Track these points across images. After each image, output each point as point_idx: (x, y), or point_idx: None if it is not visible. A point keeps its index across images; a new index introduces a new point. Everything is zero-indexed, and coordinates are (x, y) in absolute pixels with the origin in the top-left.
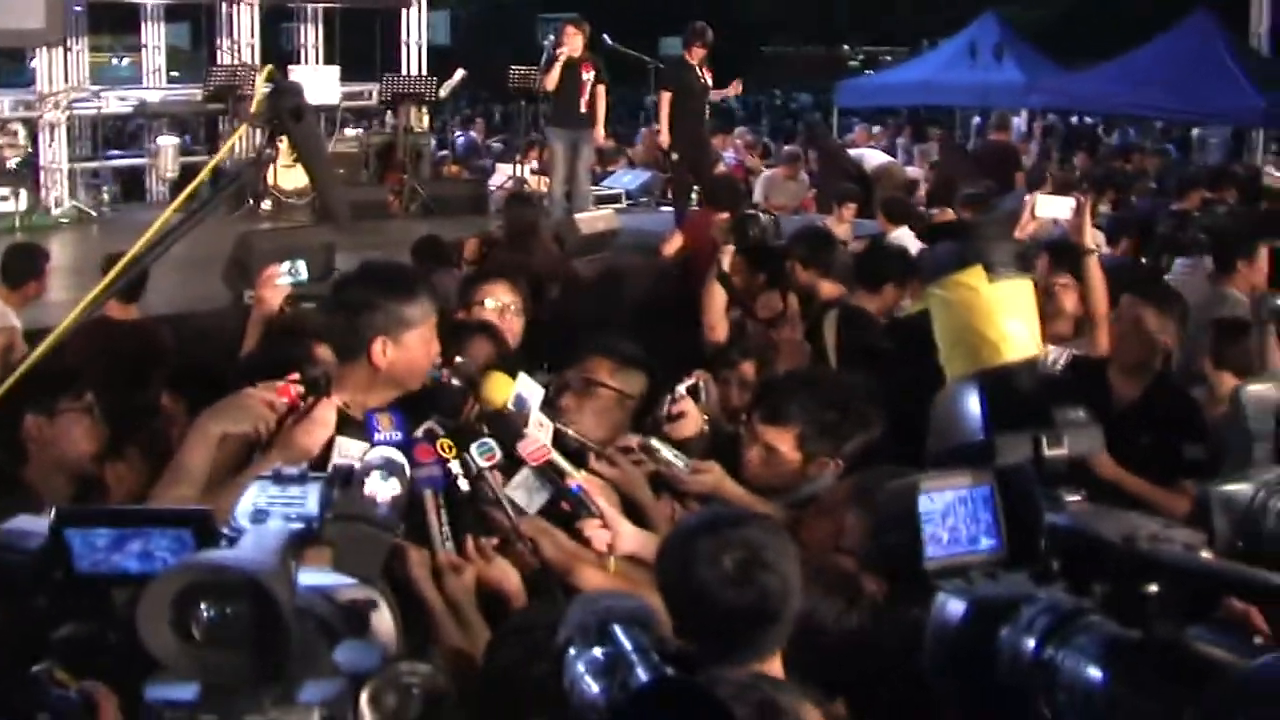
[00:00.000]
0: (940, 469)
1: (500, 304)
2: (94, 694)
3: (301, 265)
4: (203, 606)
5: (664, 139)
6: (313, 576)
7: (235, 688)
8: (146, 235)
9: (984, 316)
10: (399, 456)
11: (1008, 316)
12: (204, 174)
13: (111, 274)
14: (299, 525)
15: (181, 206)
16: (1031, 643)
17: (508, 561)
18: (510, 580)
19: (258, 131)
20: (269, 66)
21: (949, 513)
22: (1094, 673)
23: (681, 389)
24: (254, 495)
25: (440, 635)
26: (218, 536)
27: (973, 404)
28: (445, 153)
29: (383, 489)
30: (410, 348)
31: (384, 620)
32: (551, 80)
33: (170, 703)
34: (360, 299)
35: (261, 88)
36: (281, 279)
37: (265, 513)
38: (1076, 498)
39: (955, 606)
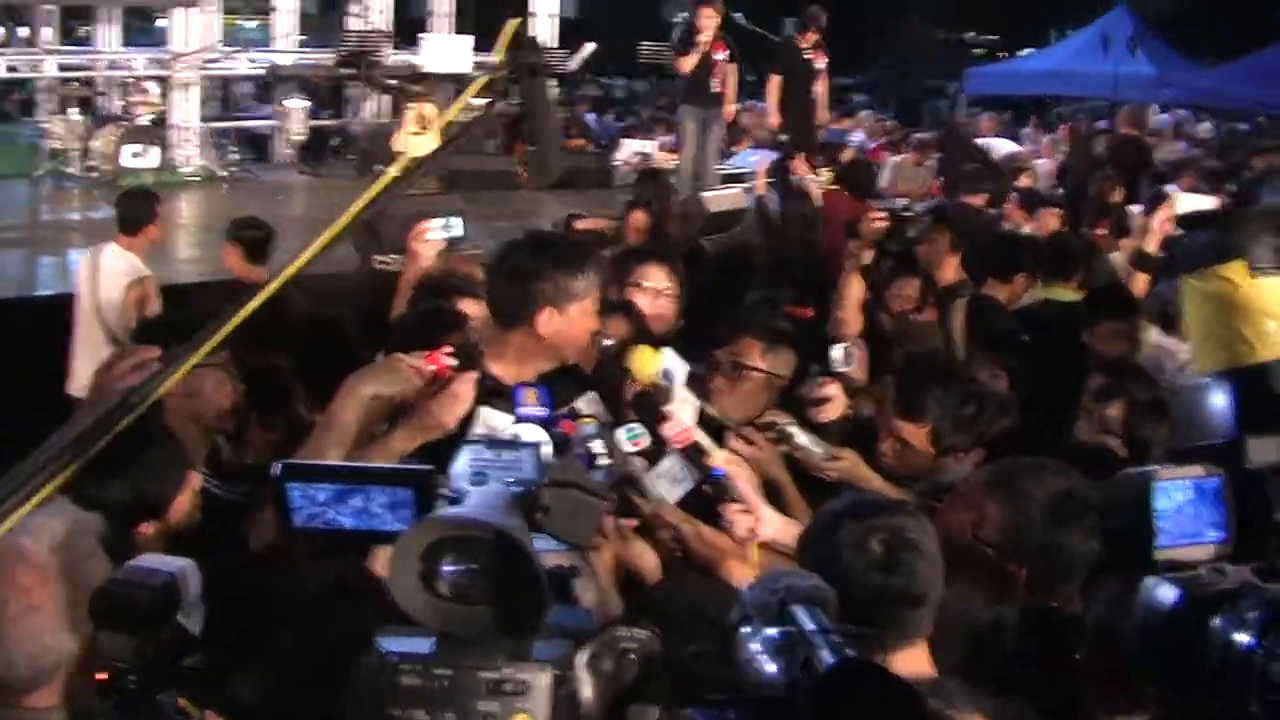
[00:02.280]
0: (1177, 463)
1: (656, 286)
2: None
3: (457, 222)
4: (449, 561)
5: (774, 121)
6: None
7: (470, 642)
8: (358, 204)
9: (1241, 312)
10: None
11: (1266, 314)
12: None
13: (333, 229)
14: (519, 488)
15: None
16: (1246, 637)
17: (644, 543)
18: (647, 560)
19: (384, 98)
20: (516, 20)
21: (1180, 504)
22: None
23: (838, 352)
24: (469, 458)
25: (603, 601)
26: (438, 497)
27: (1222, 402)
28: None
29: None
30: (574, 320)
31: (588, 587)
32: (689, 64)
33: (405, 655)
34: (531, 267)
35: (505, 38)
36: (434, 233)
37: (484, 475)
38: None
39: (1167, 593)
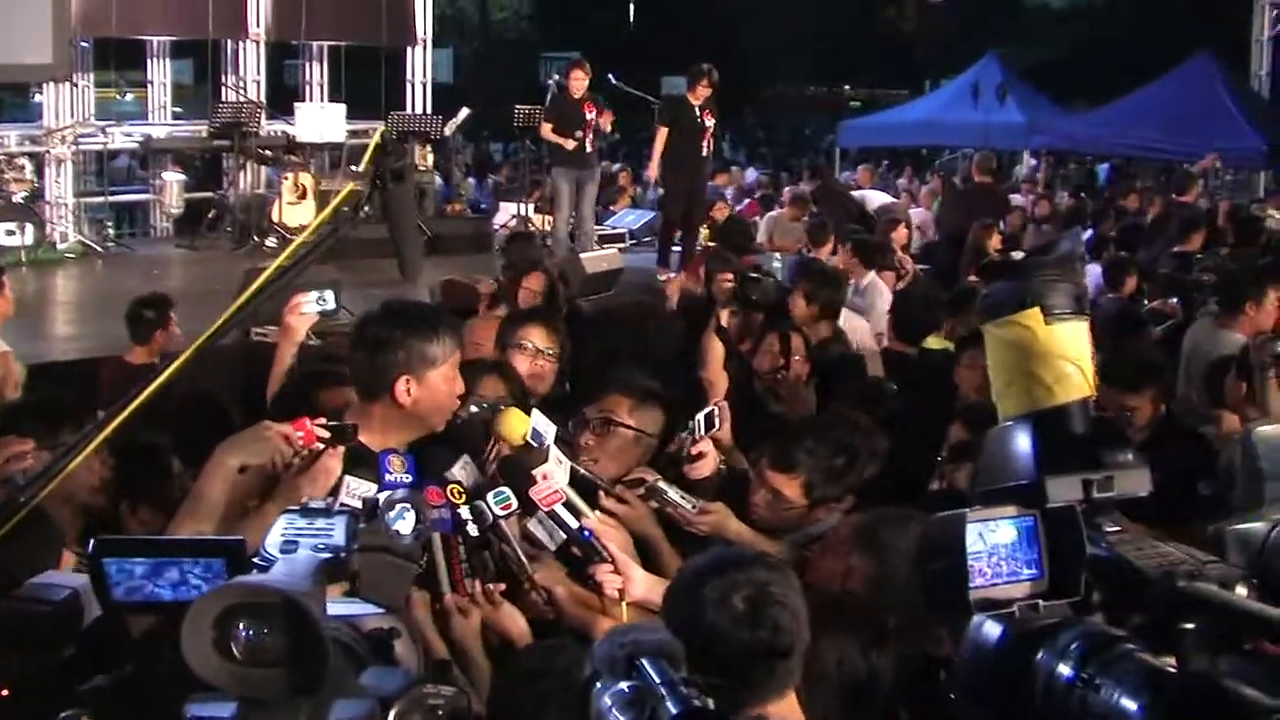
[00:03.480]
0: (988, 504)
1: (537, 346)
2: None
3: (330, 295)
4: (242, 626)
5: (653, 171)
6: (339, 606)
7: (272, 705)
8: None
9: (1039, 357)
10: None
11: (1063, 358)
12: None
13: (208, 332)
14: (327, 555)
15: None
16: (1067, 668)
17: (513, 607)
18: (517, 624)
19: (260, 169)
20: (381, 129)
21: (994, 545)
22: (1129, 704)
23: (700, 419)
24: (282, 527)
25: (423, 659)
26: (249, 565)
27: (1024, 445)
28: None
29: (404, 523)
30: (434, 386)
31: (407, 647)
32: (550, 131)
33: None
34: (384, 336)
35: (374, 144)
36: (308, 307)
37: (295, 543)
38: (1116, 528)
39: (992, 629)
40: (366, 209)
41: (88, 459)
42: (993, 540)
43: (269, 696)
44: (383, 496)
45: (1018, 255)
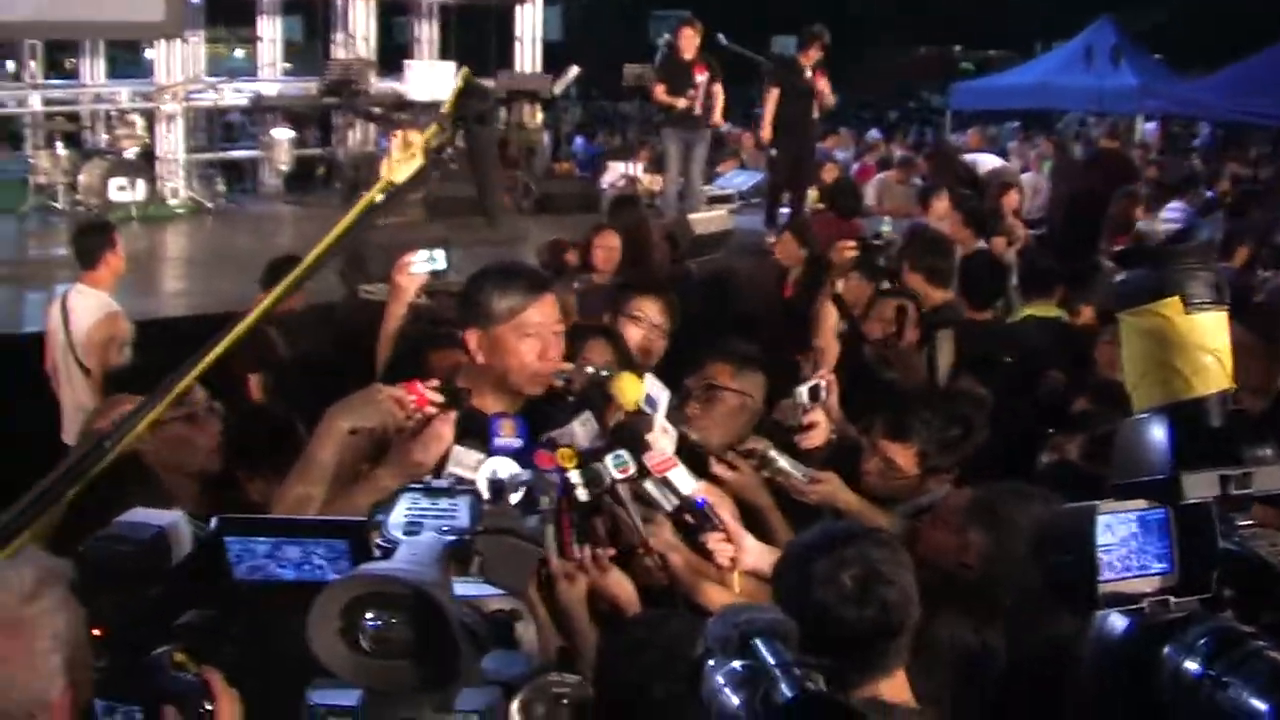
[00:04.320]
0: (1119, 498)
1: (650, 320)
2: (212, 678)
3: (440, 254)
4: (370, 616)
5: (766, 133)
6: (462, 587)
7: (398, 695)
8: (314, 252)
9: (1178, 348)
10: (514, 466)
11: (1202, 349)
12: (376, 188)
13: (293, 274)
14: (452, 538)
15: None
16: (1195, 665)
17: (621, 573)
18: (625, 591)
19: (370, 126)
20: (465, 69)
21: (1124, 538)
22: (1258, 704)
23: (804, 391)
24: (405, 507)
25: (545, 645)
26: (373, 547)
27: (1160, 438)
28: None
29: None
30: (502, 343)
31: (528, 630)
32: (664, 92)
33: (333, 708)
34: (463, 291)
35: (457, 86)
36: (418, 266)
37: (418, 524)
38: (1249, 522)
39: (1118, 622)
40: (449, 152)
41: (205, 424)
42: (1123, 533)
43: (395, 688)
44: (506, 476)
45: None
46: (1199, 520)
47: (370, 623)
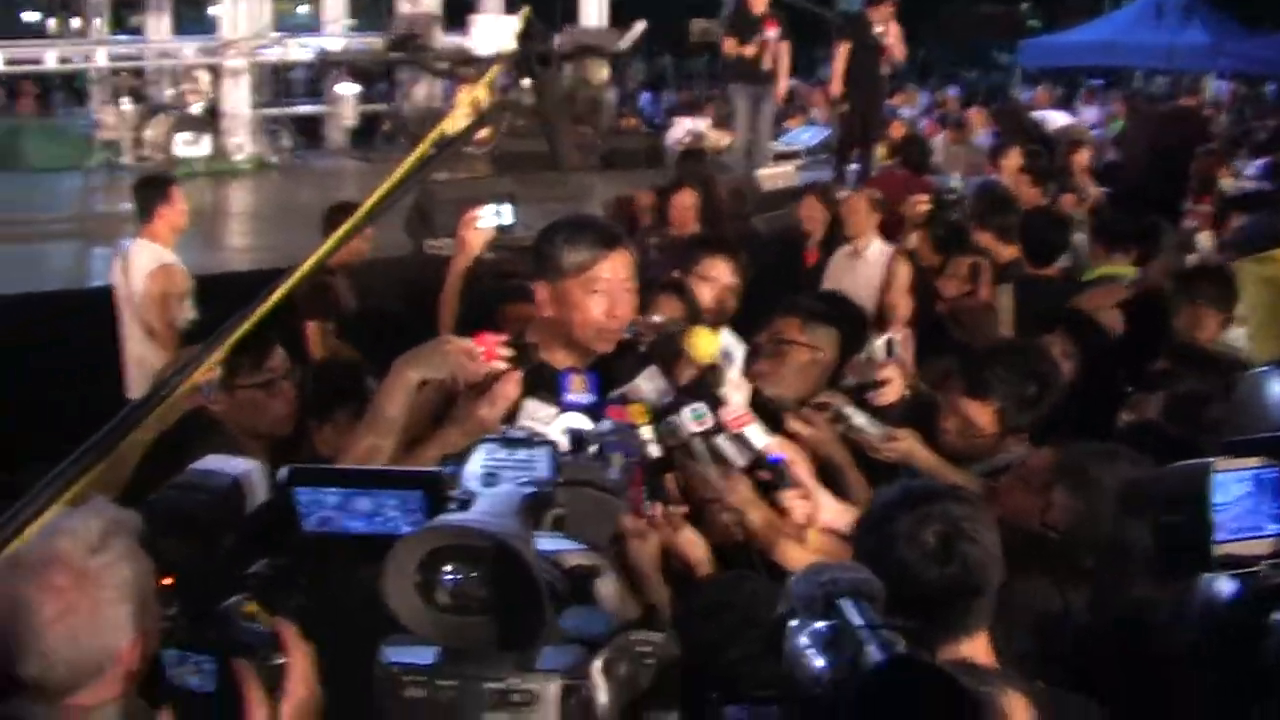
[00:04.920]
0: (1236, 454)
1: (721, 280)
2: (284, 630)
3: (508, 209)
4: (449, 570)
5: (836, 88)
6: (540, 541)
7: (477, 653)
8: (373, 198)
9: None
10: (586, 421)
11: None
12: (433, 135)
13: (347, 225)
14: (531, 489)
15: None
16: None
17: (695, 531)
18: (698, 550)
19: (435, 81)
20: (528, 8)
21: (1238, 497)
22: None
23: (880, 345)
24: (482, 458)
25: (627, 602)
26: (448, 499)
27: None
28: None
29: (613, 457)
30: (571, 296)
31: (609, 587)
32: (737, 46)
33: (409, 666)
34: (535, 244)
35: (517, 28)
36: (484, 221)
37: (496, 475)
38: None
39: (1225, 586)
40: (514, 94)
41: (282, 390)
42: (1238, 492)
43: (474, 645)
44: (588, 429)
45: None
46: None
47: (448, 577)
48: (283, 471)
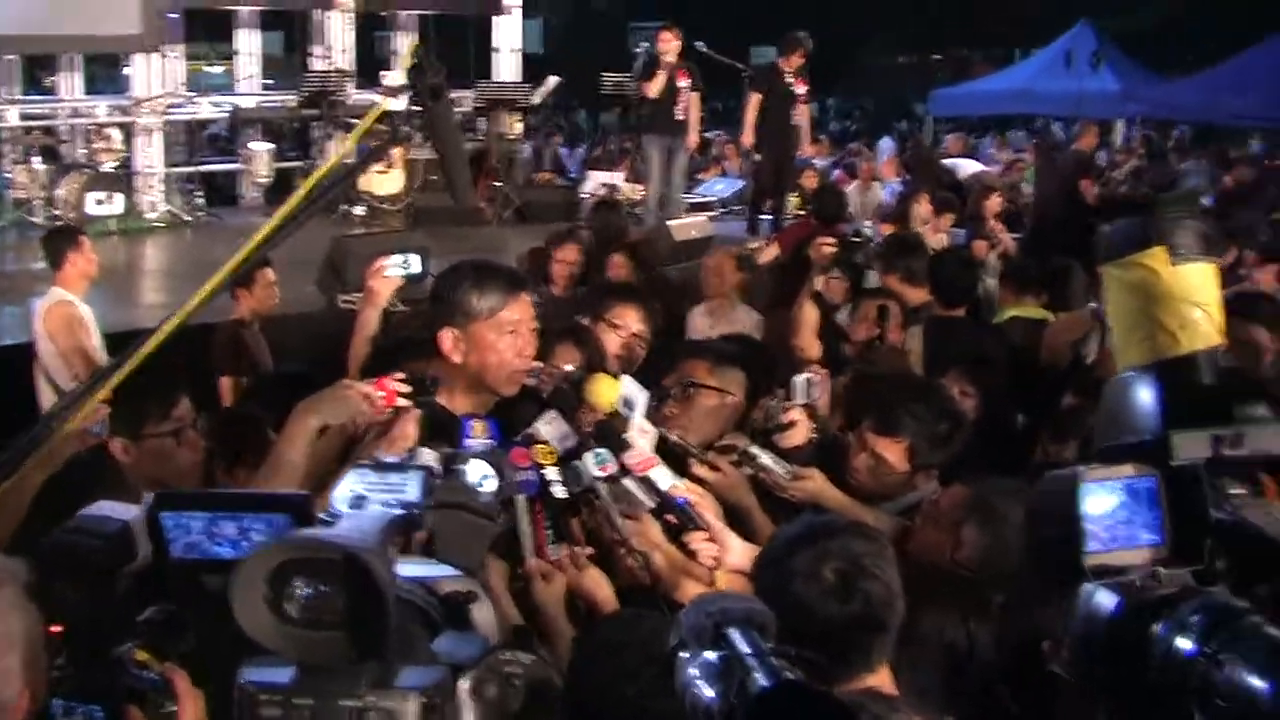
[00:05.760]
0: (1106, 463)
1: (630, 329)
2: (174, 676)
3: (415, 259)
4: (298, 584)
5: (747, 139)
6: (414, 567)
7: (331, 670)
8: (253, 240)
9: (1164, 302)
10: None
11: (1190, 302)
12: (315, 177)
13: (216, 278)
14: (399, 511)
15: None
16: (1188, 642)
17: (599, 572)
18: (603, 591)
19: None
20: (415, 42)
21: (1111, 508)
22: (1257, 682)
23: (801, 380)
24: (352, 482)
25: (502, 627)
26: (315, 521)
27: (1147, 397)
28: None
29: (484, 479)
30: (481, 341)
31: (484, 612)
32: (654, 88)
33: (265, 685)
34: (437, 288)
35: (407, 62)
36: (392, 270)
37: (364, 498)
38: (1242, 490)
39: (1106, 599)
40: (406, 129)
41: (191, 441)
42: (1111, 503)
43: (327, 661)
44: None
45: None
46: (1189, 486)
47: (299, 591)
48: (148, 497)
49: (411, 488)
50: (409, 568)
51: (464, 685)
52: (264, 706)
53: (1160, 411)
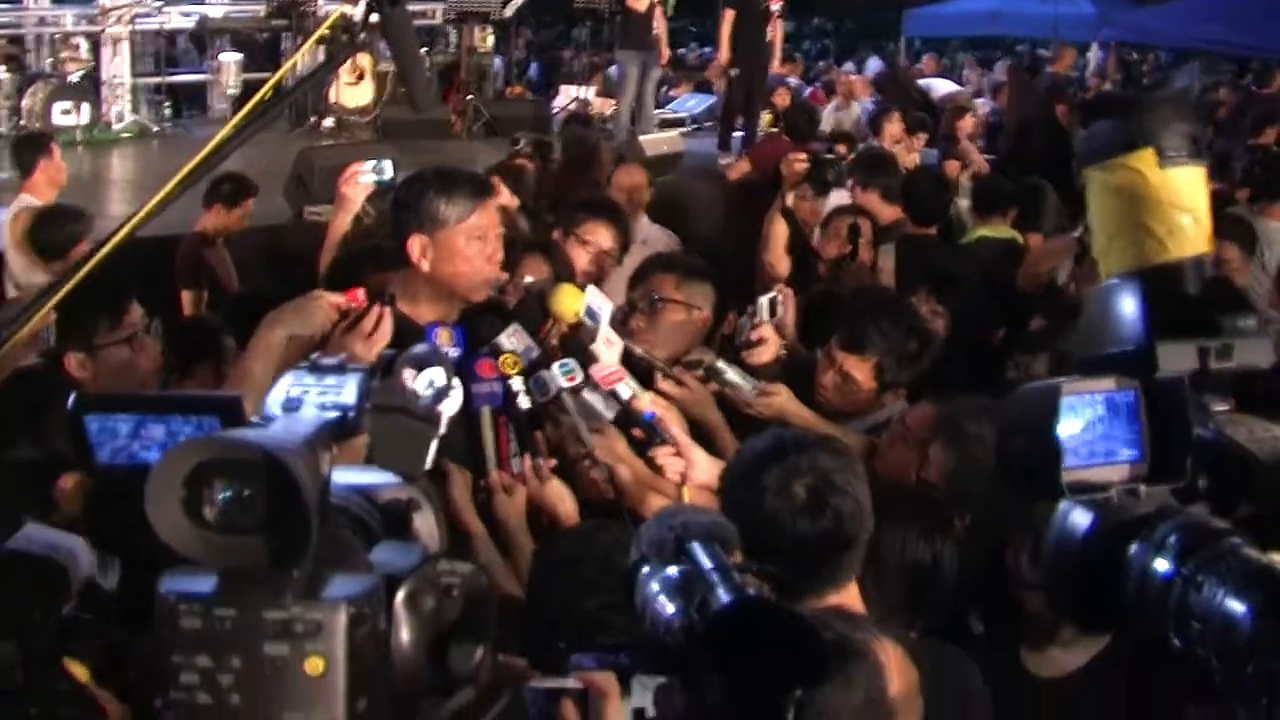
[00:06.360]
0: (1085, 374)
1: (600, 246)
2: (108, 702)
3: (387, 165)
4: (217, 486)
5: (724, 57)
6: (352, 474)
7: (253, 578)
8: (206, 149)
9: (1151, 206)
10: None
11: (1177, 207)
12: (271, 83)
13: (168, 187)
14: (334, 414)
15: (242, 120)
16: (1165, 563)
17: (562, 484)
18: (565, 504)
19: (319, 48)
20: None
21: (1090, 421)
22: (1235, 605)
23: (764, 301)
24: (288, 384)
25: (480, 562)
26: (245, 424)
27: (1131, 305)
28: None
29: (423, 379)
30: (450, 247)
31: (427, 521)
32: (641, 1)
33: (185, 595)
34: (402, 195)
35: None
36: (365, 176)
37: (298, 401)
38: (1225, 406)
39: (1081, 518)
40: (364, 35)
41: (145, 346)
42: (1089, 416)
43: (248, 568)
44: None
45: None
46: (1172, 399)
47: (217, 493)
48: (71, 400)
49: (348, 390)
50: (347, 475)
51: (400, 597)
52: (184, 617)
53: (1144, 320)
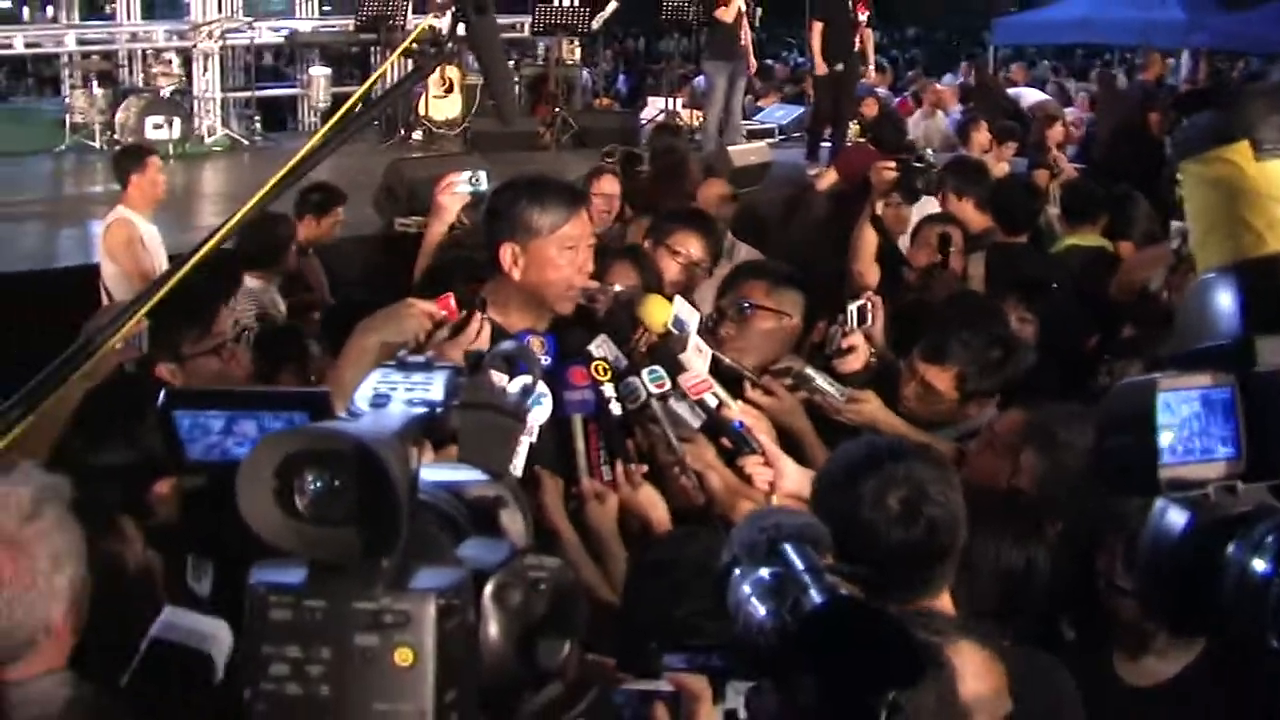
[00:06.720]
0: (1181, 369)
1: (690, 257)
2: None
3: (483, 175)
4: (309, 477)
5: (820, 68)
6: (440, 472)
7: (345, 571)
8: (294, 159)
9: (1248, 199)
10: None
11: (1275, 200)
12: (358, 95)
13: (256, 197)
14: (421, 409)
15: (329, 131)
16: (1263, 563)
17: (654, 490)
18: (657, 510)
19: (408, 62)
20: None
21: (1186, 417)
22: None
23: (853, 309)
24: (375, 380)
25: (572, 568)
26: (334, 418)
27: (1228, 299)
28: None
29: (513, 378)
30: (541, 257)
31: (514, 518)
32: (730, 11)
33: (275, 586)
34: (494, 204)
35: None
36: (461, 186)
37: (386, 397)
38: None
39: (1177, 516)
40: (450, 45)
41: (236, 355)
42: (1185, 412)
43: (339, 559)
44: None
45: None
46: (1270, 394)
47: (309, 484)
48: (160, 397)
49: (436, 386)
50: (435, 472)
51: (488, 591)
52: (274, 608)
53: (1241, 314)
